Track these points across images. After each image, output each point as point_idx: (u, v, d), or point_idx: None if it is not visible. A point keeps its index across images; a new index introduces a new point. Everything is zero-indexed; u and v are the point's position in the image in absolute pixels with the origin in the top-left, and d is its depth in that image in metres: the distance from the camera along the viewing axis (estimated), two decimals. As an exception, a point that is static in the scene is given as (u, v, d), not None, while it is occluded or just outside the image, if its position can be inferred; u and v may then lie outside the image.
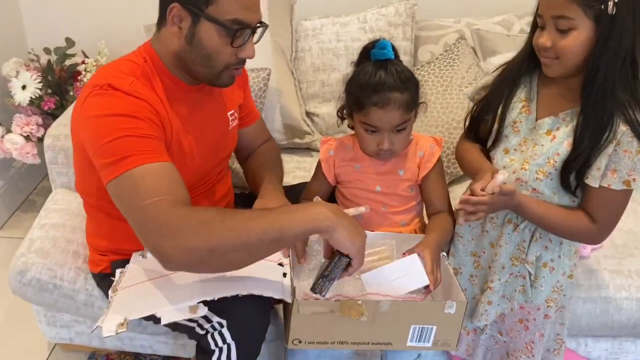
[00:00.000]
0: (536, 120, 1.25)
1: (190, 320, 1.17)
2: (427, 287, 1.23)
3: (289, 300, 1.14)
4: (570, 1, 1.07)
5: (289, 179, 1.85)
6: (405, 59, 2.06)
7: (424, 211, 1.47)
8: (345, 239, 1.09)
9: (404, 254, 1.27)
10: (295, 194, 1.53)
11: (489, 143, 1.33)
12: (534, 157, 1.24)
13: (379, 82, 1.25)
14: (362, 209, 1.32)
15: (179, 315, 1.09)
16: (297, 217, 1.07)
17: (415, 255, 1.24)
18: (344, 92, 1.34)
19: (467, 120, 1.40)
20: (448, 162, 1.83)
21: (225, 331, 1.16)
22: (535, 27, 1.19)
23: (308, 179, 1.50)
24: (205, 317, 1.17)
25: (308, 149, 2.06)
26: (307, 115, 2.08)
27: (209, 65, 1.20)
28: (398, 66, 1.28)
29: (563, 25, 1.10)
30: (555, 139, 1.22)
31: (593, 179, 1.18)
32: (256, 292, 1.11)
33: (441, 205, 1.41)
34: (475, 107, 1.36)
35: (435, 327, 1.19)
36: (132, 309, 1.13)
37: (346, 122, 1.40)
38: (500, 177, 1.16)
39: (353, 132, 1.40)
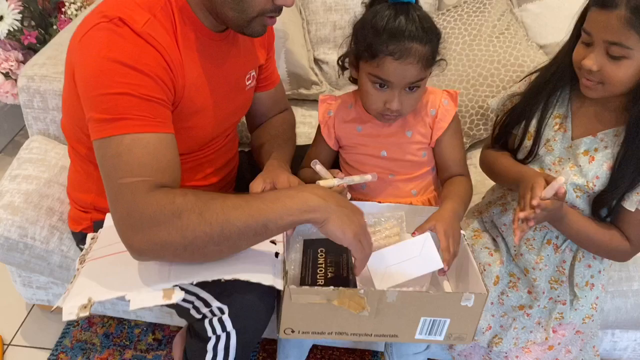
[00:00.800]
0: (572, 139, 1.15)
1: (184, 300, 1.03)
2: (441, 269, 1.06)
3: (279, 287, 0.97)
4: (630, 29, 0.97)
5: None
6: (428, 1, 1.82)
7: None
8: (336, 229, 0.95)
9: (414, 233, 1.09)
10: (299, 158, 1.35)
11: (519, 156, 1.23)
12: (574, 178, 1.14)
13: (399, 29, 1.04)
14: (368, 177, 1.15)
15: (150, 300, 0.94)
16: (283, 208, 0.93)
17: (427, 234, 1.07)
18: (352, 35, 1.15)
19: (496, 129, 1.27)
20: (471, 124, 1.63)
21: (226, 318, 1.01)
22: (576, 38, 1.08)
23: (309, 138, 1.31)
24: (203, 300, 1.03)
25: (315, 102, 1.85)
26: (316, 62, 1.86)
27: (241, 9, 1.01)
28: (420, 12, 1.08)
29: (616, 52, 1.00)
30: (594, 161, 1.13)
31: (631, 203, 1.11)
32: (242, 278, 0.95)
33: (458, 169, 1.23)
34: (504, 118, 1.24)
35: (449, 320, 1.03)
36: (98, 288, 0.98)
37: (347, 73, 1.20)
38: (563, 178, 1.03)
39: (355, 87, 1.20)
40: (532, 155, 1.19)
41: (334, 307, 0.98)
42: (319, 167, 1.12)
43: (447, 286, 1.16)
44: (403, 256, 1.07)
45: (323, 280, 1.07)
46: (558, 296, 1.23)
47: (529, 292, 1.24)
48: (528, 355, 1.24)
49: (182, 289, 0.96)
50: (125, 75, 0.93)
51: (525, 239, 1.22)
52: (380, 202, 1.20)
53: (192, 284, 0.96)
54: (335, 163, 1.31)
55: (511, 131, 1.24)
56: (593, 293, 1.22)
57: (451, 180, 1.23)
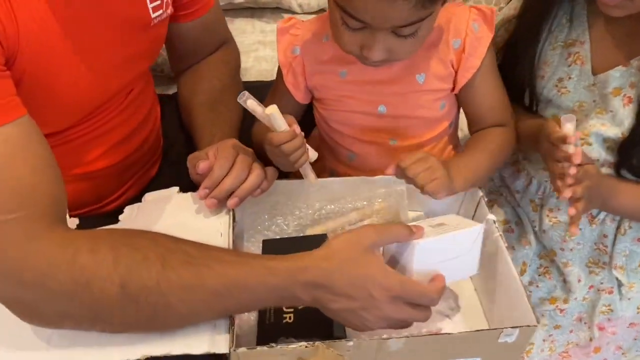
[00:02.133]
0: (594, 73, 0.82)
1: None
2: None
3: (221, 350, 0.63)
4: None
5: (248, 63, 1.25)
6: None
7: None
8: (351, 319, 0.64)
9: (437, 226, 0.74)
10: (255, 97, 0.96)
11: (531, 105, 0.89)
12: (602, 129, 0.81)
13: None
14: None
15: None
16: (267, 289, 0.62)
17: (482, 226, 0.73)
18: None
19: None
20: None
21: None
22: None
23: (276, 64, 0.90)
24: None
25: (279, 10, 1.40)
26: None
27: None
28: None
29: None
30: (632, 103, 0.80)
31: None
32: (157, 353, 0.60)
33: (496, 117, 0.85)
34: (501, 57, 0.90)
35: None
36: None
37: None
38: (568, 124, 0.71)
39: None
40: (538, 100, 0.87)
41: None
42: (251, 103, 0.73)
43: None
44: (450, 252, 0.72)
45: (292, 316, 0.73)
46: (601, 283, 0.92)
47: (564, 282, 0.93)
48: None
49: None
50: None
51: (547, 208, 0.89)
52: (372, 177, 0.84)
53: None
54: (308, 121, 0.92)
55: (517, 75, 0.88)
56: None
57: (483, 132, 0.85)
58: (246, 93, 0.73)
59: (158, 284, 0.59)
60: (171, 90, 1.08)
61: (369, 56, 0.72)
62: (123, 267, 0.58)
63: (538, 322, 0.68)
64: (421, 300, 0.64)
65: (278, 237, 0.83)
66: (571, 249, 0.91)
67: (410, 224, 0.70)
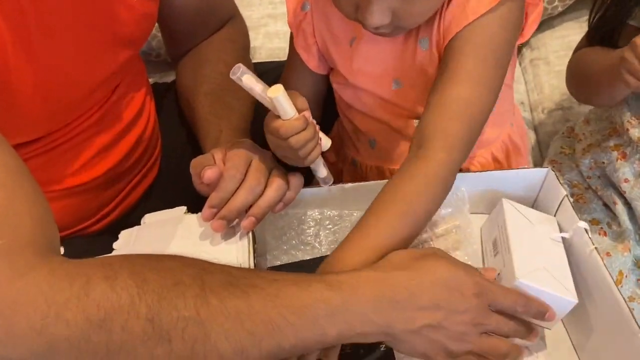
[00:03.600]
0: None
1: None
2: None
3: None
4: None
5: (257, 41, 1.07)
6: None
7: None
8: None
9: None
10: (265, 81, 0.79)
11: None
12: None
13: None
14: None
15: None
16: (327, 311, 0.47)
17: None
18: None
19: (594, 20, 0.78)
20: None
21: None
22: None
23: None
24: None
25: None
26: None
27: None
28: None
29: None
30: None
31: None
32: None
33: (427, 130, 0.60)
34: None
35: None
36: None
37: None
38: None
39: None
40: None
41: None
42: (248, 79, 0.56)
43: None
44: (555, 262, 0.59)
45: None
46: None
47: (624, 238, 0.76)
48: None
49: None
50: None
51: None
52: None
53: None
54: (330, 104, 0.75)
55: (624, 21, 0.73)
56: None
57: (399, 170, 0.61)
58: (241, 67, 0.55)
59: (197, 313, 0.44)
60: (170, 78, 0.90)
61: (365, 20, 0.55)
62: (151, 295, 0.44)
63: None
64: (505, 300, 0.53)
65: (309, 257, 0.66)
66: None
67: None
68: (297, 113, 0.56)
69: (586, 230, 0.61)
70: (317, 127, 0.59)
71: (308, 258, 0.66)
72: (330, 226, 0.68)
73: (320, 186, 0.67)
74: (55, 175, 0.67)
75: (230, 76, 0.56)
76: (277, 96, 0.54)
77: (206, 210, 0.59)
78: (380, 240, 0.55)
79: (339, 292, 0.48)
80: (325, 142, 0.62)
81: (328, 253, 0.66)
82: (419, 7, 0.56)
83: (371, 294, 0.48)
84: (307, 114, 0.57)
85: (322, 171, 0.64)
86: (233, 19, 0.84)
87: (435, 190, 0.57)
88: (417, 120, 0.67)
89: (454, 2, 0.59)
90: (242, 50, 0.83)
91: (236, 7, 0.87)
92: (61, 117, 0.64)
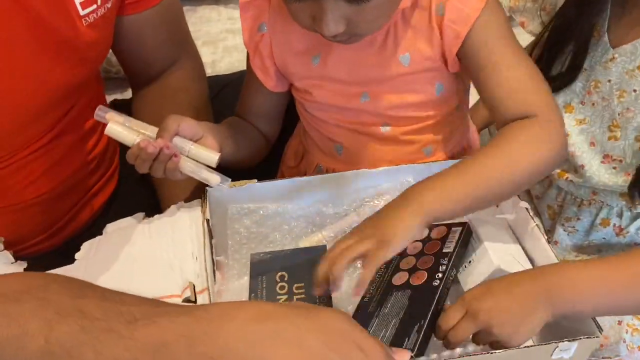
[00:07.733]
0: (612, 46, 0.72)
1: None
2: None
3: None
4: None
5: (216, 54, 1.10)
6: None
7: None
8: None
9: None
10: (226, 95, 0.84)
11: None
12: (627, 116, 0.70)
13: None
14: (212, 157, 0.67)
15: None
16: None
17: None
18: None
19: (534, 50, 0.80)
20: None
21: None
22: None
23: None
24: None
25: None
26: None
27: None
28: None
29: None
30: None
31: None
32: None
33: (521, 106, 0.63)
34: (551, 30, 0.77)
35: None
36: None
37: None
38: None
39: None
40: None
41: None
42: (103, 114, 0.66)
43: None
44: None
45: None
46: None
47: None
48: None
49: None
50: None
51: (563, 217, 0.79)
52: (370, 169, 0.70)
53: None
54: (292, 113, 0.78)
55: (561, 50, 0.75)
56: None
57: (500, 133, 0.64)
58: (102, 107, 0.64)
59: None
60: (130, 95, 0.93)
61: (322, 30, 0.58)
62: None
63: (601, 331, 0.55)
64: None
65: (269, 252, 0.69)
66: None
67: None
68: (135, 139, 0.63)
69: (527, 209, 0.65)
70: (170, 145, 0.63)
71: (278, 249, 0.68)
72: (287, 219, 0.70)
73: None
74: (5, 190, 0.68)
75: (94, 116, 0.64)
76: (109, 132, 0.63)
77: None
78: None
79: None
80: (207, 157, 0.65)
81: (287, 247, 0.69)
82: (370, 14, 0.59)
83: None
84: (139, 139, 0.62)
85: (210, 178, 0.65)
86: (188, 51, 0.84)
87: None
88: (385, 125, 0.71)
89: (448, 14, 0.63)
90: (205, 93, 0.83)
91: (193, 44, 0.86)
92: (5, 143, 0.64)
